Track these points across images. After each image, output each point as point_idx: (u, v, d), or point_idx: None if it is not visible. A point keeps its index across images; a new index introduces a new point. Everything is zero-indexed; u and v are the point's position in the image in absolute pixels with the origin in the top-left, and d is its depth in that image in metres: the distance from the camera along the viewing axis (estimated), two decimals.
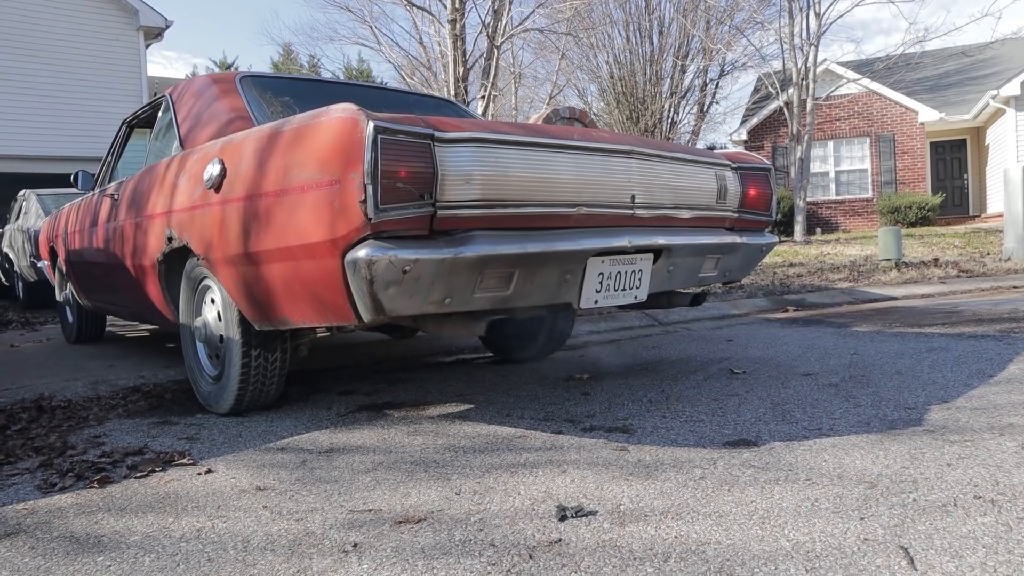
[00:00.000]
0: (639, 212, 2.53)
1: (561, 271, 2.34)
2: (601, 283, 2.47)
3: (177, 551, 1.57)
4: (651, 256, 2.59)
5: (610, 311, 5.31)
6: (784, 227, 15.25)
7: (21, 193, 9.36)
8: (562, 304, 2.48)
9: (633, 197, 2.50)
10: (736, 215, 3.04)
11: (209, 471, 2.15)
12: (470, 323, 2.36)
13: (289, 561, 1.50)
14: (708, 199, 2.87)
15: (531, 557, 1.47)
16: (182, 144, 3.12)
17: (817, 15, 13.01)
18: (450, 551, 1.51)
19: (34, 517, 1.83)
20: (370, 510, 1.77)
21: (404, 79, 15.39)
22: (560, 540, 1.54)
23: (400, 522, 1.68)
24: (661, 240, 2.57)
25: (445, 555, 1.49)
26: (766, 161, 3.18)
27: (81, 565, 1.52)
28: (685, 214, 2.76)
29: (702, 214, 2.86)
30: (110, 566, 1.51)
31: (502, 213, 2.15)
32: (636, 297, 2.62)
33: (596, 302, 2.49)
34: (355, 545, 1.56)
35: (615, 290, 2.53)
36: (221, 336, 2.78)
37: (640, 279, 2.60)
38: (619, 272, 2.51)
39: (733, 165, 3.02)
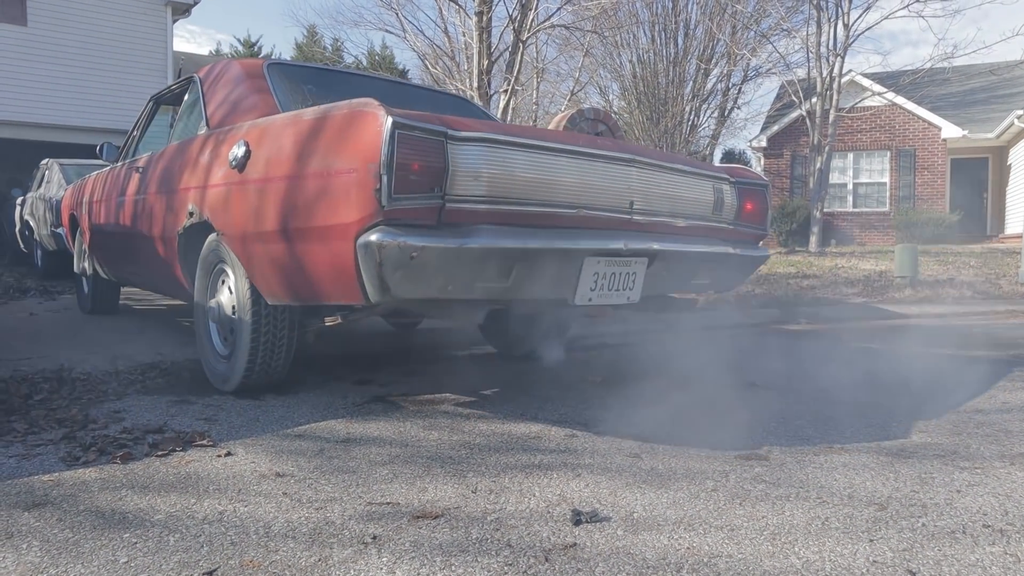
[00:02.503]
0: (636, 217, 2.65)
1: (558, 268, 2.45)
2: (596, 282, 2.58)
3: (200, 532, 1.62)
4: (645, 260, 2.69)
5: (622, 314, 5.33)
6: (799, 237, 15.19)
7: (44, 162, 9.42)
8: (557, 299, 2.58)
9: (631, 203, 2.62)
10: (731, 227, 3.14)
11: (228, 454, 2.19)
12: (470, 311, 2.50)
13: (310, 549, 1.53)
14: (704, 210, 2.97)
15: (547, 560, 1.50)
16: (208, 126, 3.19)
17: (845, 25, 12.91)
18: (467, 549, 1.55)
19: (60, 489, 1.87)
20: (388, 503, 1.81)
21: (427, 68, 15.35)
22: (575, 544, 1.58)
23: (418, 517, 1.72)
24: (656, 245, 2.67)
25: (463, 553, 1.53)
26: (764, 177, 3.28)
27: (108, 540, 1.57)
28: (681, 222, 2.87)
29: (698, 224, 2.96)
30: (136, 543, 1.56)
31: (506, 210, 2.28)
32: (629, 298, 2.72)
33: (590, 300, 2.60)
34: (375, 537, 1.60)
35: (609, 290, 2.63)
36: (233, 308, 2.86)
37: (634, 281, 2.70)
38: (614, 273, 2.61)
39: (731, 179, 3.12)
